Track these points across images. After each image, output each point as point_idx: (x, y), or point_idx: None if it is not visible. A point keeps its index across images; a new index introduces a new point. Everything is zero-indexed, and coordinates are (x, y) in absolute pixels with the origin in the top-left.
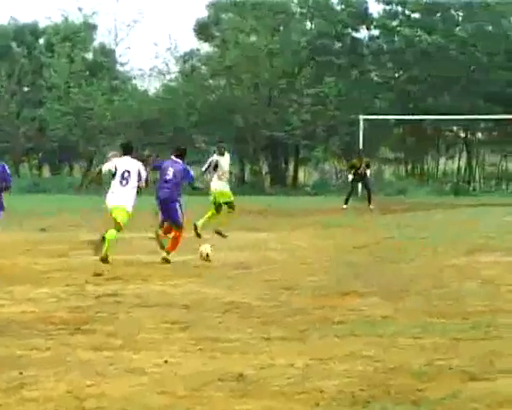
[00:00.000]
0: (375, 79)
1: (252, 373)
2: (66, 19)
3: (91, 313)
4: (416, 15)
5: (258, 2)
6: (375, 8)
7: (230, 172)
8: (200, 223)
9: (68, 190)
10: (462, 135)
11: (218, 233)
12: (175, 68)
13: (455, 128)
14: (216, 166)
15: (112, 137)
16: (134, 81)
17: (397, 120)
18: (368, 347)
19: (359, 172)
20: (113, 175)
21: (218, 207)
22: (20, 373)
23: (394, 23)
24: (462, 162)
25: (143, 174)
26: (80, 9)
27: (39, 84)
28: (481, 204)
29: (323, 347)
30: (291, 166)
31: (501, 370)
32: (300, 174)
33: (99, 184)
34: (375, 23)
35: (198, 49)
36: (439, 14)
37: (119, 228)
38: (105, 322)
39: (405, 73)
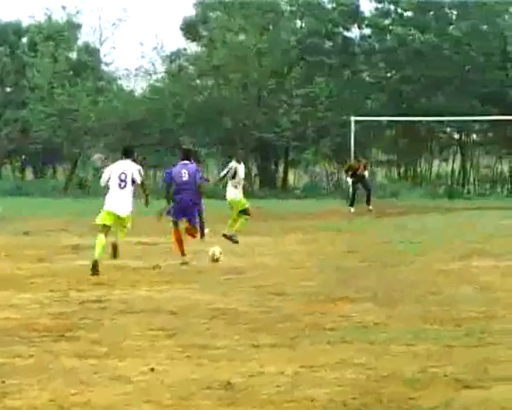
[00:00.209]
0: (367, 79)
1: (240, 381)
2: (50, 17)
3: (75, 320)
4: (409, 14)
5: (246, 0)
6: (367, 7)
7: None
8: (228, 231)
9: (52, 193)
10: (457, 136)
11: (229, 238)
12: (161, 68)
13: (449, 129)
14: (234, 174)
15: (97, 139)
16: (119, 81)
17: (389, 121)
18: (359, 354)
19: (358, 173)
20: (110, 179)
21: (245, 213)
22: (3, 382)
23: (386, 22)
24: (456, 165)
25: (137, 178)
26: (64, 8)
27: (22, 84)
28: (476, 207)
29: (314, 354)
30: (281, 169)
31: (495, 377)
32: (290, 177)
33: None
34: (366, 22)
35: (185, 49)
36: (432, 13)
37: (125, 228)
38: (89, 329)
39: (398, 72)
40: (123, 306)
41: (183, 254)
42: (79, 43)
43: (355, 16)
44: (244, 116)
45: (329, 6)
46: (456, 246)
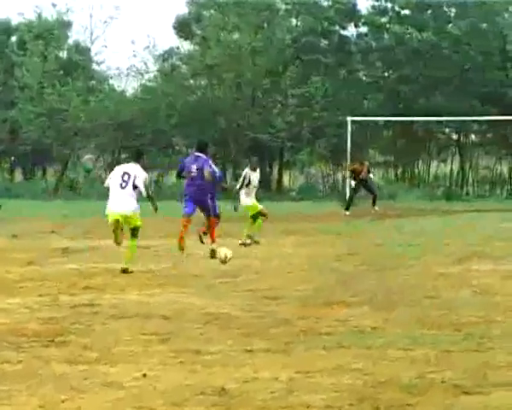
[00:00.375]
0: (364, 78)
1: (234, 387)
2: (40, 16)
3: (66, 325)
4: (407, 12)
5: None
6: (364, 5)
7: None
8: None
9: (42, 195)
10: (455, 137)
11: (249, 239)
12: (154, 68)
13: (447, 130)
14: (249, 182)
15: (87, 140)
16: (111, 81)
17: (386, 121)
18: (356, 359)
19: (361, 177)
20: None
21: (254, 217)
22: None
23: (383, 20)
24: (455, 166)
25: (140, 183)
26: (54, 6)
27: (11, 84)
28: (475, 210)
29: (309, 359)
30: (275, 170)
31: (495, 383)
32: (285, 178)
33: None
34: (363, 20)
35: (178, 48)
36: (430, 11)
37: (136, 232)
38: (80, 334)
39: (395, 72)
40: (114, 310)
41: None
42: (70, 41)
43: (351, 14)
44: (238, 116)
45: (325, 4)
46: (455, 249)
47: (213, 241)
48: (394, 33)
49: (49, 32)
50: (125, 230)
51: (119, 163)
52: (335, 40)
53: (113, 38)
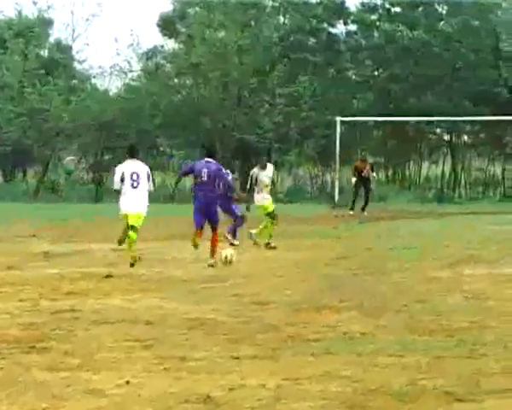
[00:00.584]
0: (353, 77)
1: (220, 395)
2: (20, 13)
3: (47, 331)
4: (397, 9)
5: None
6: (353, 2)
7: (272, 183)
8: (268, 240)
9: (22, 197)
10: (447, 138)
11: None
12: (137, 66)
13: (439, 130)
14: (256, 180)
15: (69, 141)
16: (93, 80)
17: (376, 121)
18: (345, 366)
19: (363, 174)
20: (122, 180)
21: (270, 216)
22: None
23: (373, 17)
24: (447, 167)
25: (151, 181)
26: (35, 3)
27: None
28: (467, 212)
29: (297, 366)
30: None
31: (488, 390)
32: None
33: None
34: (352, 17)
35: (162, 46)
36: (421, 8)
37: (135, 230)
38: (62, 340)
39: (385, 71)
40: (96, 316)
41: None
42: (51, 39)
43: (340, 12)
44: (224, 117)
45: (313, 1)
46: (448, 252)
47: (214, 254)
48: (384, 31)
49: (30, 30)
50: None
51: (101, 164)
52: (324, 38)
53: (95, 35)
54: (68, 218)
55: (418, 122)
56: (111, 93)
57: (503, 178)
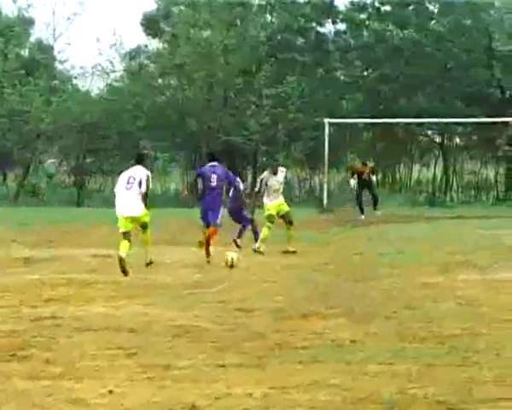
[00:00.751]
0: (342, 78)
1: (205, 404)
2: (0, 12)
3: (27, 338)
4: (387, 8)
5: None
6: (342, 1)
7: (284, 187)
8: (287, 246)
9: (2, 201)
10: (438, 140)
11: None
12: (120, 67)
13: (430, 132)
14: (266, 185)
15: (50, 143)
16: (75, 81)
17: (366, 123)
18: (334, 374)
19: (363, 177)
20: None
21: (285, 219)
22: None
23: (363, 16)
24: (438, 170)
25: (144, 184)
26: (15, 1)
27: None
28: (459, 216)
29: (285, 374)
30: (249, 175)
31: (480, 399)
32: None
33: None
34: (341, 16)
35: (146, 46)
36: (412, 7)
37: (146, 228)
38: (43, 348)
39: (375, 71)
40: (78, 323)
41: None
42: (31, 39)
43: (329, 11)
44: (209, 118)
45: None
46: (439, 257)
47: (208, 254)
48: (374, 30)
49: (10, 29)
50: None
51: (82, 167)
52: (312, 38)
53: (77, 35)
54: (49, 222)
55: (409, 124)
56: (93, 94)
57: (496, 181)
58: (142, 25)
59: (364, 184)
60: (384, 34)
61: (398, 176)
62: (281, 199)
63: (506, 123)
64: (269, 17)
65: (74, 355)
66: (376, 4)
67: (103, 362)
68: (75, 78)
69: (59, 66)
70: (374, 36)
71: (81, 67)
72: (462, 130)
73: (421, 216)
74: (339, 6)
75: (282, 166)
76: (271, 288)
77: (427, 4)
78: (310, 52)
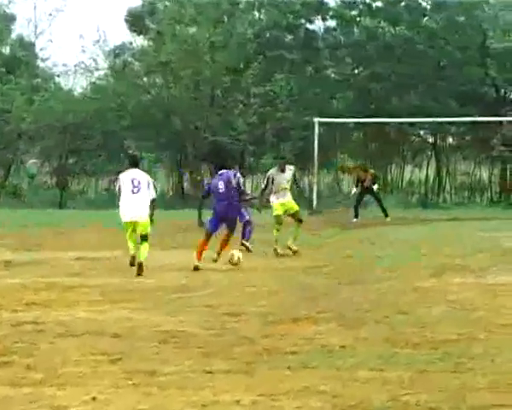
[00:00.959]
0: (332, 76)
1: None
2: None
3: (8, 344)
4: (379, 4)
5: None
6: None
7: (297, 185)
8: (290, 242)
9: None
10: (431, 140)
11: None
12: (104, 64)
13: (422, 132)
14: (273, 182)
15: (32, 143)
16: (57, 79)
17: (357, 123)
18: (324, 381)
19: (365, 185)
20: (121, 188)
21: (294, 217)
22: None
23: (353, 13)
24: (431, 171)
25: (152, 189)
26: None
27: None
28: (453, 218)
29: (273, 381)
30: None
31: (474, 406)
32: (247, 184)
33: None
34: (331, 13)
35: (130, 43)
36: (404, 3)
37: (146, 239)
38: (24, 353)
39: (366, 69)
40: (61, 328)
41: (198, 258)
42: (13, 36)
43: (319, 7)
44: (196, 118)
45: None
46: (432, 260)
47: (219, 253)
48: (365, 27)
49: None
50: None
51: (65, 168)
52: (301, 35)
53: (59, 32)
54: (31, 224)
55: (401, 123)
56: (76, 93)
57: (491, 182)
58: (126, 21)
59: (366, 191)
60: (375, 31)
61: (389, 177)
62: (288, 197)
63: (501, 122)
64: (257, 14)
65: (56, 361)
66: (367, 0)
67: (86, 368)
68: (57, 76)
69: (41, 63)
70: (365, 33)
71: (64, 65)
72: (456, 130)
73: (414, 218)
74: (329, 2)
75: (291, 163)
76: (260, 292)
77: (420, 0)
78: (299, 49)
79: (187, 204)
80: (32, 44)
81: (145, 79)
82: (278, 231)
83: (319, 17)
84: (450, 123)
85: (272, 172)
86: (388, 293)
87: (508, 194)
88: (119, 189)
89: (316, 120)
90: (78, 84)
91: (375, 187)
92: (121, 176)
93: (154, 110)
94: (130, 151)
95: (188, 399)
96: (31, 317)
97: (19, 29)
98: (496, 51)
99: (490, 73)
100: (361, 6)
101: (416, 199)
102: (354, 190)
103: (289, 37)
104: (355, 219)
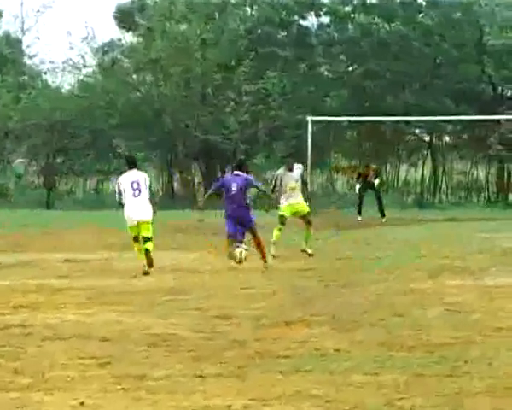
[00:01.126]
0: (326, 73)
1: None
2: None
3: None
4: (373, 0)
5: None
6: None
7: (305, 184)
8: (304, 246)
9: None
10: (427, 139)
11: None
12: (92, 62)
13: (418, 131)
14: (281, 183)
15: (18, 142)
16: (44, 76)
17: (351, 121)
18: (317, 385)
19: (368, 179)
20: (122, 192)
21: (304, 219)
22: None
23: (347, 9)
24: (427, 170)
25: (148, 185)
26: None
27: None
28: (449, 219)
29: (265, 385)
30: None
31: None
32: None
33: None
34: (325, 9)
35: (119, 40)
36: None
37: (150, 239)
38: (11, 357)
39: (361, 66)
40: (49, 331)
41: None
42: None
43: (312, 3)
44: (186, 116)
45: None
46: (428, 262)
47: (264, 256)
48: (359, 24)
49: None
50: None
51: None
52: (294, 31)
53: (46, 28)
54: (18, 225)
55: (396, 122)
56: (64, 91)
57: (488, 182)
58: (115, 18)
59: (368, 186)
60: (370, 28)
61: (384, 177)
62: (299, 199)
63: (498, 121)
64: (249, 10)
65: (44, 365)
66: None
67: (75, 373)
68: (45, 73)
69: (28, 61)
70: (359, 29)
71: (51, 62)
72: (452, 128)
73: (409, 218)
74: None
75: (299, 162)
76: (253, 294)
77: None
78: (292, 46)
79: (177, 205)
80: (19, 41)
81: (134, 76)
82: (280, 230)
83: (312, 13)
84: (446, 121)
85: (280, 171)
86: (384, 295)
87: (505, 194)
88: (120, 192)
89: (309, 118)
90: (65, 82)
91: (377, 181)
92: (121, 179)
93: (144, 108)
94: (126, 152)
95: (178, 404)
96: (18, 320)
97: (5, 26)
98: (493, 48)
99: (487, 71)
100: (355, 2)
101: (411, 199)
102: (357, 186)
103: (282, 33)
104: (360, 218)
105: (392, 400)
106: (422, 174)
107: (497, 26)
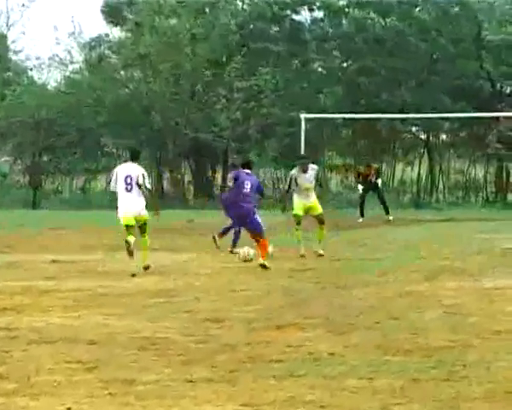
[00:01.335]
0: (320, 69)
1: None
2: None
3: None
4: None
5: None
6: None
7: (320, 185)
8: (316, 247)
9: None
10: (423, 137)
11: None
12: (79, 57)
13: (414, 129)
14: (296, 183)
15: (3, 140)
16: (30, 73)
17: (345, 119)
18: (311, 390)
19: (369, 179)
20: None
21: (317, 219)
22: None
23: (342, 3)
24: (423, 169)
25: (141, 180)
26: None
27: None
28: (446, 219)
29: (258, 390)
30: (219, 175)
31: None
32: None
33: None
34: (318, 3)
35: (107, 35)
36: None
37: (145, 227)
38: None
39: (355, 62)
40: (35, 335)
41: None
42: None
43: None
44: (176, 113)
45: None
46: (425, 263)
47: (264, 259)
48: (354, 19)
49: None
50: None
51: (38, 166)
52: (287, 26)
53: (32, 23)
54: (3, 225)
55: (392, 120)
56: (50, 87)
57: (486, 181)
58: (103, 12)
59: (370, 187)
60: (365, 23)
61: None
62: (312, 199)
63: (497, 118)
64: (240, 4)
65: (30, 370)
66: None
67: (61, 377)
68: (30, 69)
69: (13, 56)
70: (354, 24)
71: (37, 58)
72: (449, 126)
73: (405, 219)
74: None
75: (313, 163)
76: (245, 296)
77: None
78: (284, 42)
79: (166, 204)
80: (4, 36)
81: (122, 72)
82: (297, 230)
83: (306, 8)
84: (443, 119)
85: (294, 172)
86: (379, 297)
87: (504, 194)
88: (114, 181)
89: (302, 115)
90: (51, 78)
91: (379, 181)
92: (119, 168)
93: (133, 106)
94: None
95: (167, 409)
96: (3, 323)
97: None
98: (491, 44)
99: (485, 67)
100: None
101: (407, 199)
102: (360, 187)
103: (274, 28)
104: (361, 219)
105: (387, 405)
106: (419, 173)
107: (496, 20)
